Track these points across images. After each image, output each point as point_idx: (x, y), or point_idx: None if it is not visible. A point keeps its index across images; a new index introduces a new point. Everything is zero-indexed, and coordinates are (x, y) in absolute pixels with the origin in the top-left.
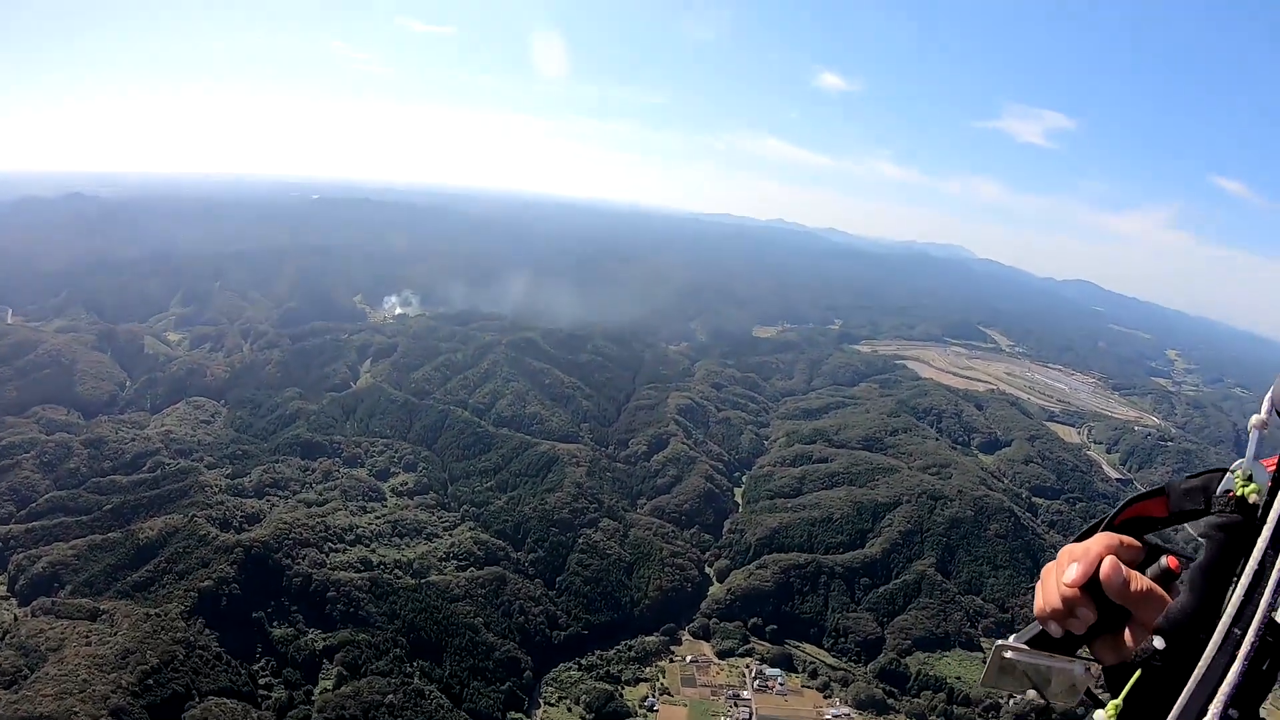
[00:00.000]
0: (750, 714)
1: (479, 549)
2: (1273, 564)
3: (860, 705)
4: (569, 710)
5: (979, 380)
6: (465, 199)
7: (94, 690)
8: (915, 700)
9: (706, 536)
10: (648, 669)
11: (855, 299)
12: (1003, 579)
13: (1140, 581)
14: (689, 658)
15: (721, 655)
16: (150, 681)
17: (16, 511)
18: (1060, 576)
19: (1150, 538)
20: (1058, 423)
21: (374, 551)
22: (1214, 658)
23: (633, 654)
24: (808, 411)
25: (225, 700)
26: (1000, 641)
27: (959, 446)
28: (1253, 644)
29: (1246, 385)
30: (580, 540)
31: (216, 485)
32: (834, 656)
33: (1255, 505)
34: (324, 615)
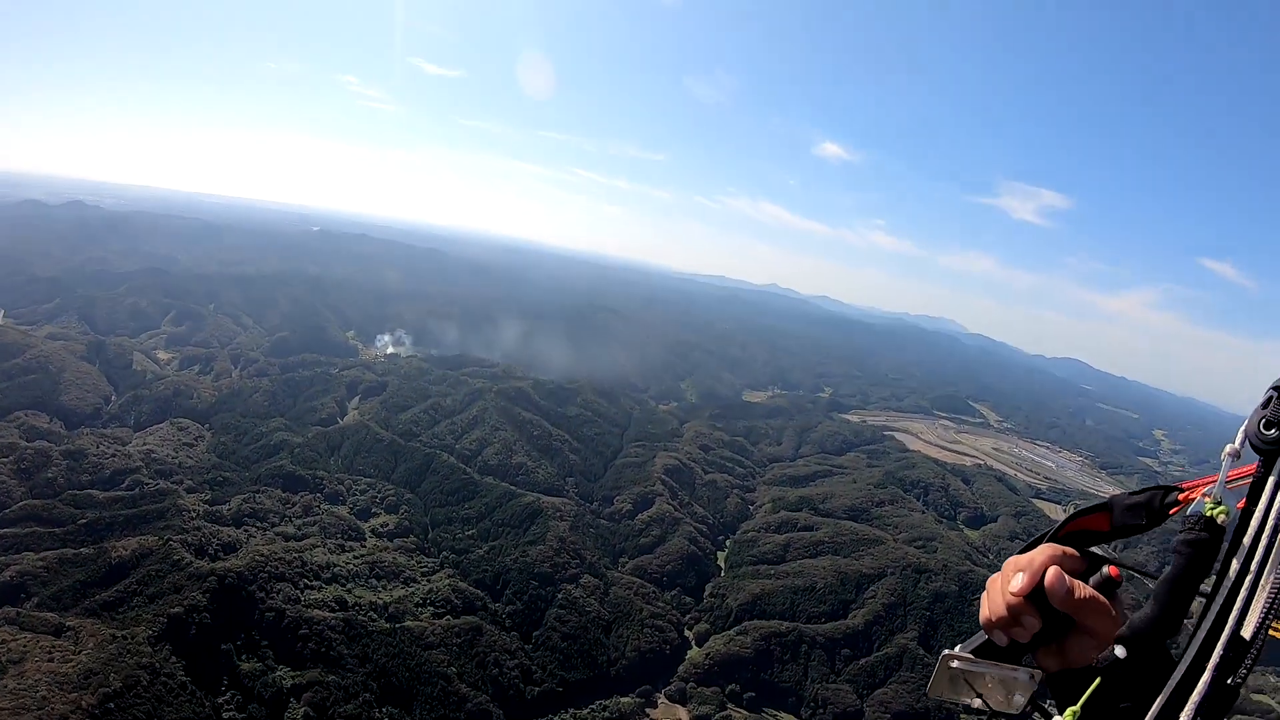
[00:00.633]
0: None
1: (457, 597)
2: (1241, 583)
3: None
4: None
5: (966, 454)
6: (462, 241)
7: (53, 708)
8: None
9: (687, 599)
10: None
11: (846, 368)
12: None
13: (1083, 590)
14: None
15: None
16: (111, 705)
17: None
18: (1005, 586)
19: (1095, 550)
20: (1044, 500)
21: (350, 591)
22: (1187, 669)
23: (607, 714)
24: (795, 478)
25: None
26: (946, 651)
27: (945, 520)
28: (1221, 656)
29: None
30: (560, 595)
31: (195, 510)
32: None
33: (1222, 527)
34: (294, 653)
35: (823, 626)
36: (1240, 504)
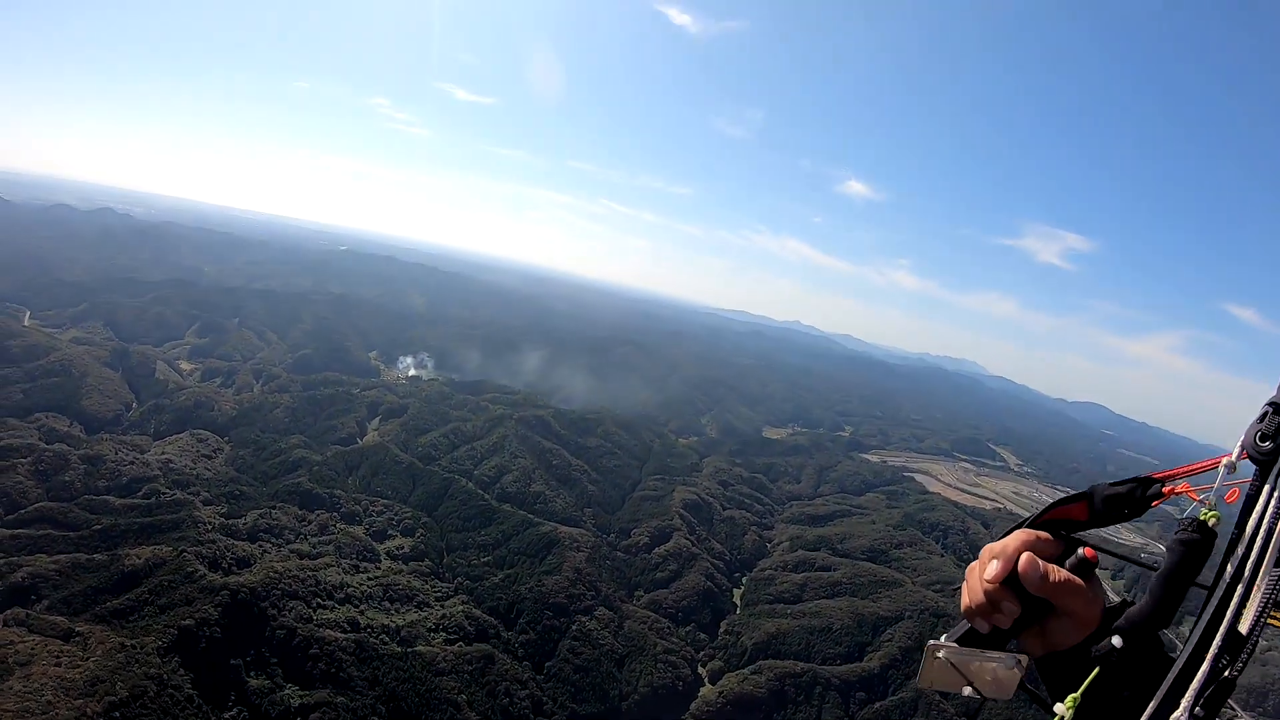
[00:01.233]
0: None
1: (470, 624)
2: (1238, 584)
3: None
4: None
5: (987, 498)
6: (487, 267)
7: (57, 714)
8: None
9: (702, 636)
10: None
11: (867, 407)
12: (1000, 704)
13: (1058, 573)
14: None
15: None
16: (117, 714)
17: (4, 515)
18: (982, 573)
19: (1074, 535)
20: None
21: (362, 613)
22: (1186, 660)
23: None
24: (813, 517)
25: None
26: (932, 641)
27: (964, 564)
28: (1218, 650)
29: None
30: (574, 626)
31: (210, 523)
32: None
33: (1213, 530)
34: (304, 672)
35: (838, 669)
36: (1230, 496)
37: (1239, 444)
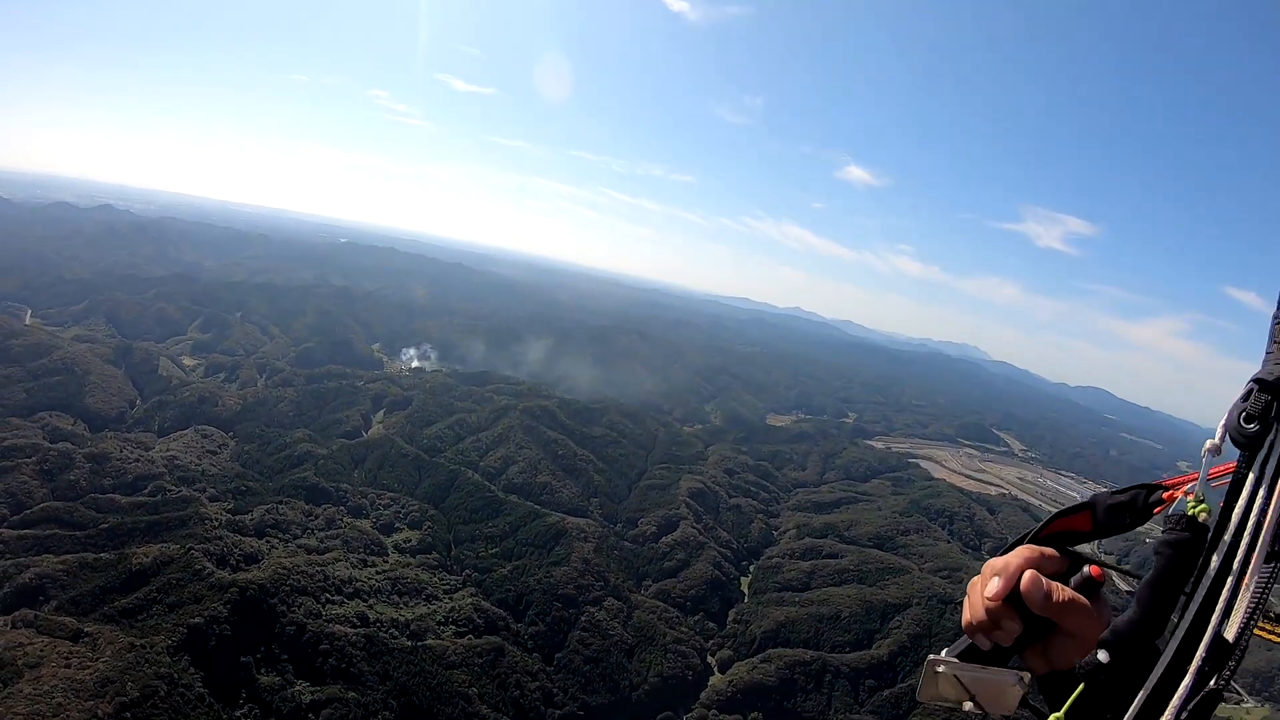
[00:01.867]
0: None
1: (479, 616)
2: (1223, 583)
3: None
4: None
5: (991, 484)
6: (489, 258)
7: (68, 716)
8: None
9: (710, 624)
10: None
11: (870, 393)
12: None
13: (1062, 592)
14: None
15: None
16: (128, 715)
17: (10, 515)
18: (983, 590)
19: (1077, 549)
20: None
21: (372, 608)
22: (1165, 671)
23: None
24: (819, 504)
25: None
26: (932, 656)
27: (970, 550)
28: (1203, 659)
29: None
30: (583, 618)
31: (217, 519)
32: None
33: (1205, 525)
34: (314, 668)
35: (847, 656)
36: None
37: (1221, 426)
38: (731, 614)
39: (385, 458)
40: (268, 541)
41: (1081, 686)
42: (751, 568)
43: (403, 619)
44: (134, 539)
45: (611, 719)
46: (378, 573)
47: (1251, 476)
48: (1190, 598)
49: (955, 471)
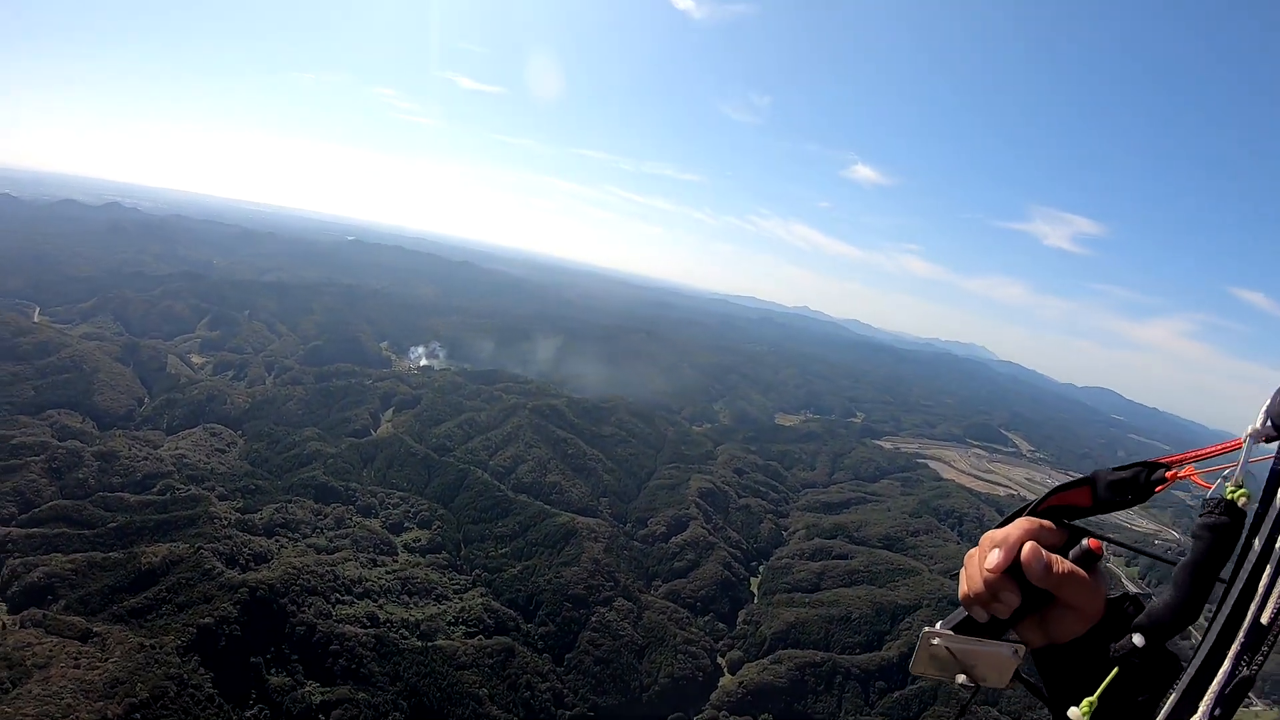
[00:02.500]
0: None
1: (489, 616)
2: (1263, 568)
3: None
4: None
5: (999, 484)
6: (497, 257)
7: (77, 717)
8: None
9: (720, 625)
10: None
11: (878, 393)
12: (1020, 690)
13: (1061, 565)
14: None
15: None
16: (137, 716)
17: (18, 514)
18: (982, 562)
19: (1076, 523)
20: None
21: (382, 608)
22: (1205, 658)
23: None
24: (828, 505)
25: None
26: (927, 628)
27: None
28: (1241, 644)
29: None
30: (593, 618)
31: (226, 518)
32: None
33: (1243, 510)
34: (324, 669)
35: (857, 657)
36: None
37: (1263, 411)
38: (741, 615)
39: (394, 457)
40: (277, 541)
41: (1115, 671)
42: (761, 568)
43: (413, 619)
44: (143, 538)
45: None
46: (387, 572)
47: None
48: (1231, 584)
49: (964, 472)
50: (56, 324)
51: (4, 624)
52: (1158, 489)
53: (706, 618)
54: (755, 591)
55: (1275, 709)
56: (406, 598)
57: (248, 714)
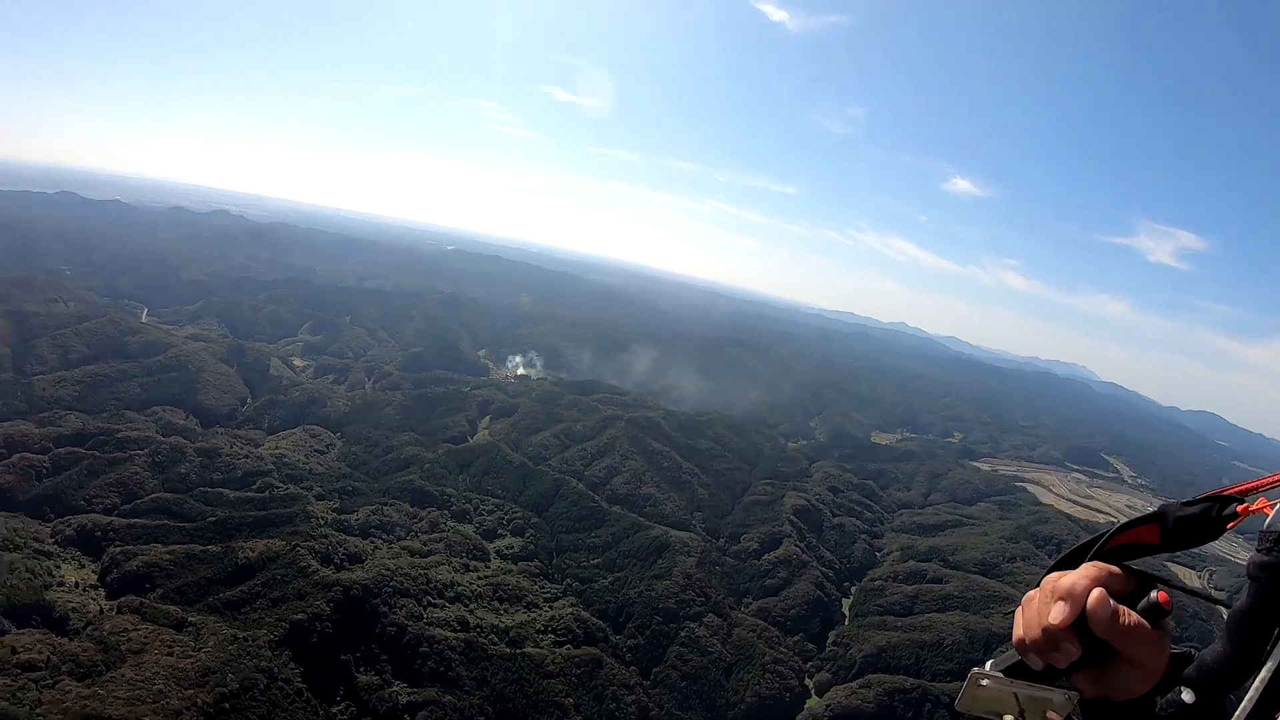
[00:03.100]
0: None
1: (578, 626)
2: None
3: None
4: None
5: (1100, 511)
6: (594, 267)
7: (167, 703)
8: None
9: (810, 646)
10: None
11: (976, 412)
12: None
13: (1129, 617)
14: None
15: None
16: (226, 705)
17: (120, 504)
18: (1042, 609)
19: (1145, 570)
20: (1179, 564)
21: (472, 612)
22: (1250, 713)
23: None
24: (924, 527)
25: None
26: (976, 669)
27: None
28: None
29: None
30: (683, 633)
31: (323, 517)
32: None
33: None
34: (413, 670)
35: (948, 686)
36: None
37: None
38: (831, 636)
39: (490, 464)
40: (371, 542)
41: None
42: (853, 589)
43: (502, 625)
44: (241, 533)
45: None
46: (479, 578)
47: None
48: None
49: (1063, 497)
50: (164, 324)
51: (101, 609)
52: (1230, 525)
53: (796, 637)
54: (847, 613)
55: None
56: (497, 604)
57: (335, 710)
